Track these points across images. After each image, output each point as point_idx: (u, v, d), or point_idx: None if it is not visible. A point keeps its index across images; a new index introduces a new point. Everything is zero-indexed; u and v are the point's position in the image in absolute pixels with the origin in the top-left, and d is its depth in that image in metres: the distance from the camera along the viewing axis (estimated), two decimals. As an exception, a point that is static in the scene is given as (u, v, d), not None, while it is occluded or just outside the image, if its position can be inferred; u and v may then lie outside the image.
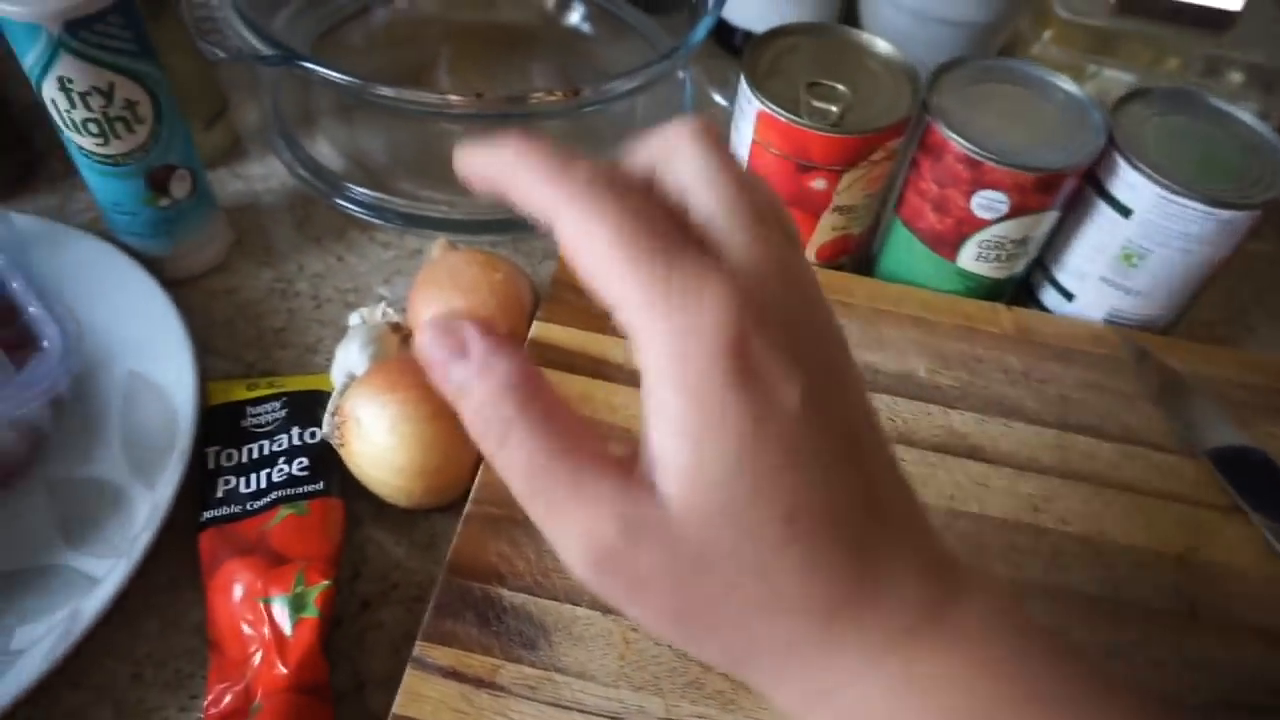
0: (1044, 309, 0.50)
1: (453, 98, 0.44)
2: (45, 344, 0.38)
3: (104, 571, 0.37)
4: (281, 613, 0.35)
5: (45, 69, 0.38)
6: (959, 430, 0.42)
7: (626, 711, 0.33)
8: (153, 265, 0.47)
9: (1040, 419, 0.43)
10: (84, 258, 0.47)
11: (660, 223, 0.20)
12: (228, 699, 0.34)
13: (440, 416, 0.38)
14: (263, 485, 0.40)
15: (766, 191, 0.22)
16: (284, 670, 0.34)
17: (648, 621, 0.22)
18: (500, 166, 0.22)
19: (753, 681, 0.23)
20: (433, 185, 0.53)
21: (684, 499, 0.20)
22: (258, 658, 0.35)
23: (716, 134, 0.22)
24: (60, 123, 0.41)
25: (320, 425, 0.41)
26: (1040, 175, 0.42)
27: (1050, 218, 0.45)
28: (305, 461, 0.40)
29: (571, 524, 0.20)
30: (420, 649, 0.34)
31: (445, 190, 0.52)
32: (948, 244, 0.46)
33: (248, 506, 0.39)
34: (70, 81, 0.39)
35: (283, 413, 0.42)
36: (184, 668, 0.37)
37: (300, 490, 0.39)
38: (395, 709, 0.33)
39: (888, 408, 0.43)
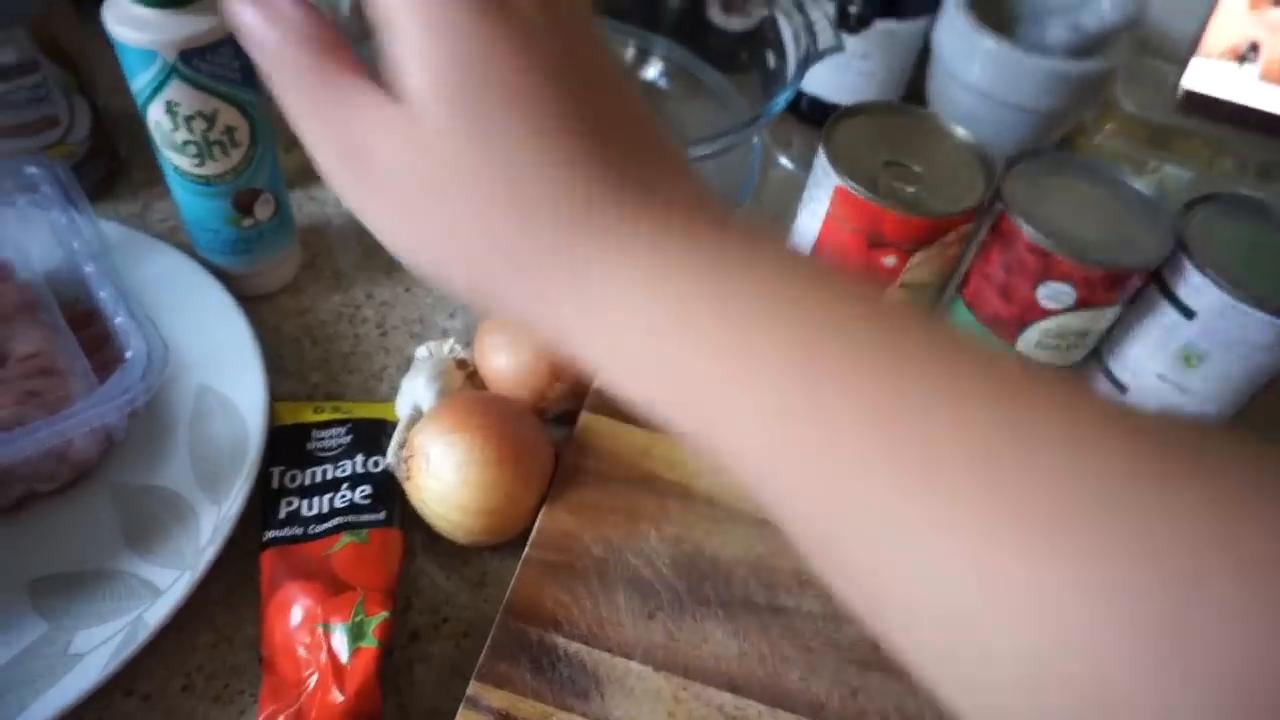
0: (1095, 398, 0.50)
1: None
2: (129, 355, 0.39)
3: (168, 582, 0.37)
4: (340, 640, 0.36)
5: (155, 92, 0.40)
6: (1010, 514, 0.43)
7: (673, 771, 0.33)
8: (227, 280, 0.48)
9: (1090, 510, 0.43)
10: (162, 267, 0.48)
11: None
12: (280, 720, 0.35)
13: (507, 461, 0.39)
14: (325, 510, 0.40)
15: None
16: (340, 698, 0.34)
17: (389, 227, 0.23)
18: None
19: (508, 303, 0.23)
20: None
21: (418, 97, 0.21)
22: (312, 681, 0.35)
23: None
24: (160, 141, 0.42)
25: (384, 454, 0.42)
26: (1109, 272, 0.42)
27: (1113, 312, 0.45)
28: (368, 490, 0.41)
29: (330, 121, 0.22)
30: (474, 688, 0.34)
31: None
32: (1009, 329, 0.47)
33: (309, 530, 0.40)
34: (177, 105, 0.40)
35: (348, 439, 0.43)
36: (234, 683, 0.38)
37: (362, 518, 0.40)
38: (447, 748, 0.33)
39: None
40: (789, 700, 0.36)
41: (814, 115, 0.67)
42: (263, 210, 0.46)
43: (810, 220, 0.47)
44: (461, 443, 0.38)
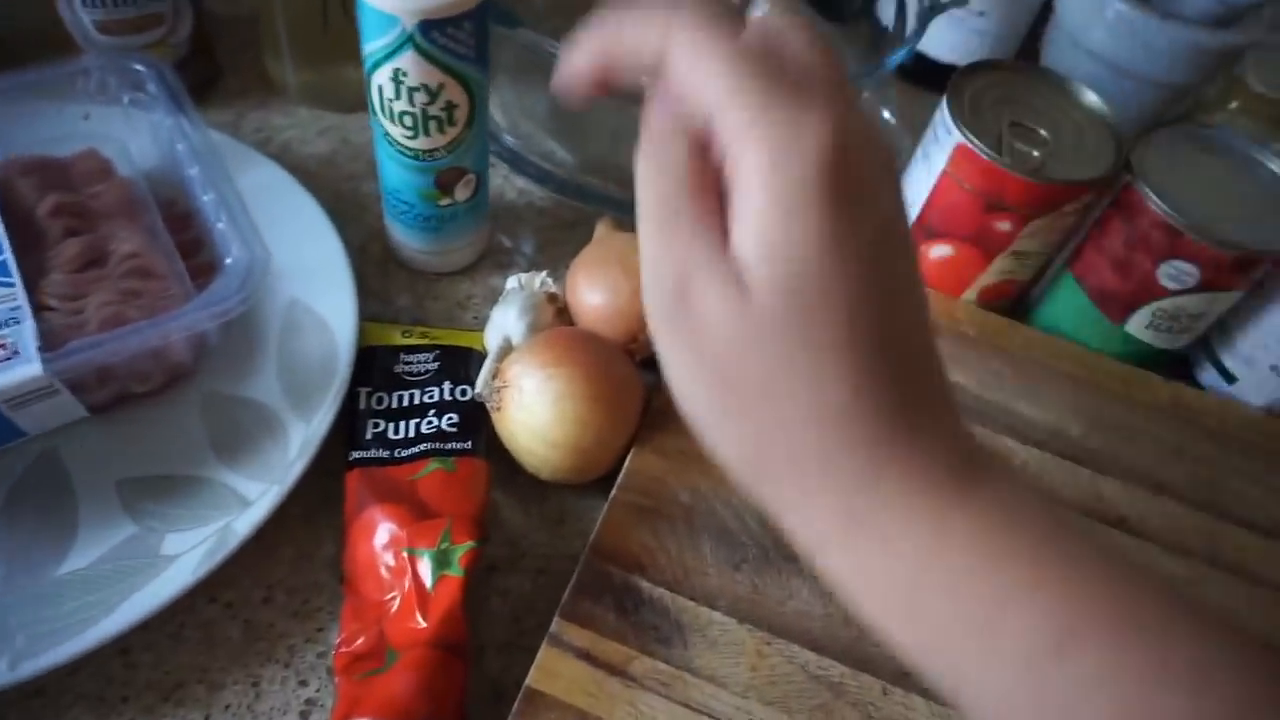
0: (1197, 385, 0.48)
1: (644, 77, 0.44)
2: (229, 262, 0.38)
3: (256, 494, 0.37)
4: (425, 566, 0.35)
5: (387, 58, 0.37)
6: (1107, 497, 0.41)
7: (754, 725, 0.33)
8: (406, 255, 0.48)
9: (1191, 500, 0.42)
10: (254, 178, 0.47)
11: (764, 61, 0.21)
12: (361, 640, 0.35)
13: (600, 399, 0.38)
14: (411, 435, 0.40)
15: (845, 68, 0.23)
16: (424, 624, 0.34)
17: (693, 382, 0.23)
18: (604, 37, 0.23)
19: (773, 497, 0.24)
20: (595, 161, 0.52)
21: (762, 298, 0.21)
22: (395, 605, 0.35)
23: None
24: (377, 107, 0.40)
25: (471, 384, 0.41)
26: (1239, 254, 0.40)
27: (1233, 297, 0.43)
28: (455, 418, 0.40)
29: (674, 254, 0.22)
30: (558, 625, 0.34)
31: (606, 167, 0.52)
32: (1119, 306, 0.45)
33: (396, 453, 0.39)
34: (404, 75, 0.38)
35: (435, 365, 0.43)
36: (313, 600, 0.38)
37: (449, 446, 0.39)
38: (529, 682, 0.33)
39: (1037, 461, 0.42)
40: (872, 665, 0.35)
41: (917, 72, 0.64)
42: (463, 192, 0.44)
43: (923, 178, 0.45)
44: (559, 377, 0.38)
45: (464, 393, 0.42)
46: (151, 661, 0.36)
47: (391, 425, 0.40)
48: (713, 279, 0.22)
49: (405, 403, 0.41)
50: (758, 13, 0.23)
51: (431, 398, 0.41)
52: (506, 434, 0.39)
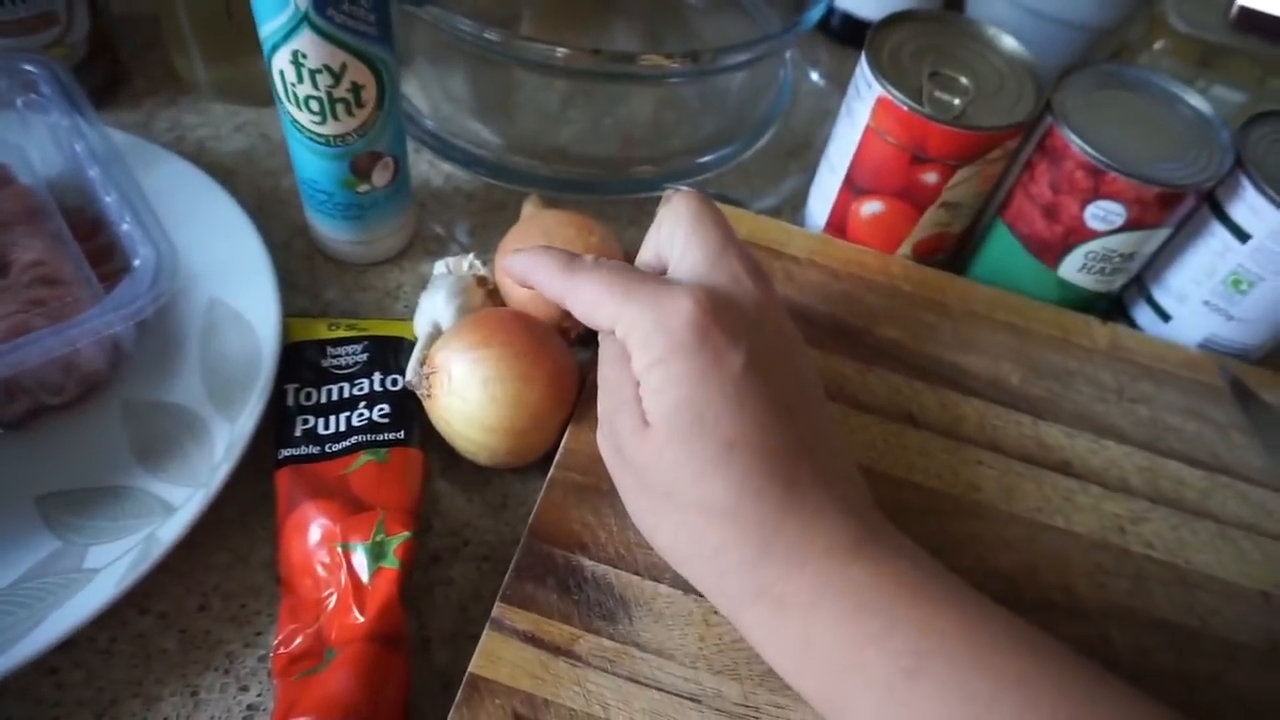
0: (1134, 326, 0.48)
1: (561, 51, 0.43)
2: (137, 263, 0.37)
3: (182, 499, 0.36)
4: (360, 560, 0.35)
5: (283, 40, 0.36)
6: (1048, 443, 0.41)
7: (704, 694, 0.32)
8: (331, 247, 0.47)
9: (1131, 439, 0.42)
10: (169, 177, 0.46)
11: (639, 272, 0.32)
12: (299, 640, 0.34)
13: (532, 378, 0.37)
14: (342, 428, 0.39)
15: (739, 244, 0.33)
16: (361, 619, 0.33)
17: (627, 490, 0.32)
18: (528, 272, 0.34)
19: (698, 580, 0.32)
20: (522, 140, 0.51)
21: (655, 426, 0.30)
22: (332, 602, 0.34)
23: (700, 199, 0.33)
24: (282, 93, 0.39)
25: (403, 373, 0.40)
26: (1164, 190, 0.40)
27: (1162, 235, 0.43)
28: (386, 408, 0.40)
29: (606, 407, 0.33)
30: (500, 610, 0.33)
31: (534, 146, 0.51)
32: (1051, 251, 0.45)
33: (327, 448, 0.38)
34: (304, 57, 0.37)
35: (364, 356, 0.42)
36: (251, 604, 0.37)
37: (382, 437, 0.38)
38: (472, 668, 0.32)
39: (977, 412, 0.42)
40: (822, 626, 0.35)
41: (844, 32, 0.64)
42: (381, 176, 0.43)
43: (848, 134, 0.45)
44: (487, 359, 0.37)
45: (395, 382, 0.41)
46: (82, 679, 0.34)
47: (321, 420, 0.39)
48: (626, 419, 0.31)
49: (334, 397, 0.40)
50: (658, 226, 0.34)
51: (361, 390, 0.40)
52: (440, 421, 0.39)
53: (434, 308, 0.42)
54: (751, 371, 0.29)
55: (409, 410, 0.40)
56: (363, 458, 0.38)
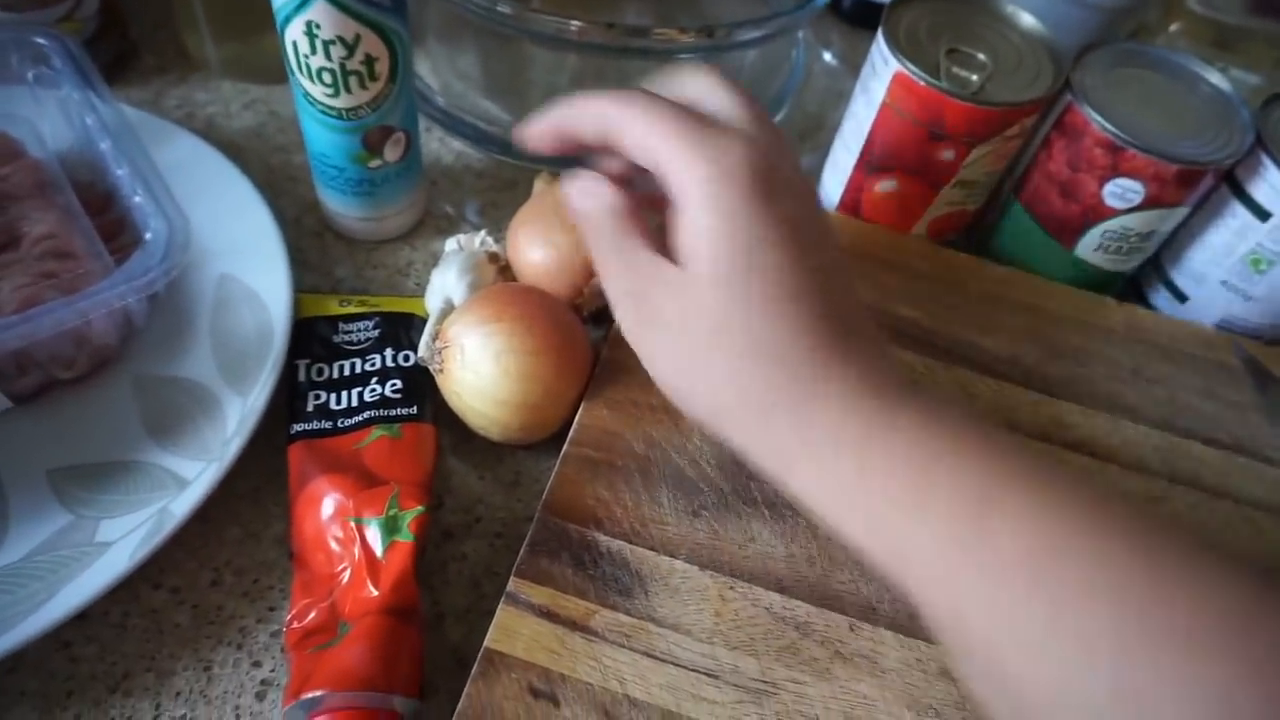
0: (1150, 306, 0.48)
1: (574, 24, 0.42)
2: (148, 237, 0.37)
3: (194, 474, 0.36)
4: (374, 534, 0.34)
5: (296, 10, 0.36)
6: (1065, 421, 0.41)
7: (720, 669, 0.32)
8: (341, 223, 0.46)
9: (1148, 419, 0.42)
10: (180, 153, 0.46)
11: (691, 115, 0.29)
12: (312, 615, 0.34)
13: (545, 351, 0.37)
14: (354, 403, 0.39)
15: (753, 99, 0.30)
16: (375, 592, 0.33)
17: (662, 361, 0.30)
18: (568, 112, 0.31)
19: (743, 434, 0.29)
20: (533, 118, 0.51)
21: (704, 271, 0.28)
22: (345, 576, 0.34)
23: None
24: (295, 66, 0.38)
25: (415, 349, 0.40)
26: (1183, 168, 0.40)
27: (1180, 214, 0.43)
28: (398, 384, 0.39)
29: (630, 270, 0.30)
30: (515, 584, 0.33)
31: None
32: (1069, 231, 0.44)
33: (339, 423, 0.38)
34: (317, 27, 0.36)
35: (375, 332, 0.41)
36: (263, 579, 0.37)
37: (394, 412, 0.38)
38: (488, 643, 0.32)
39: (993, 391, 0.41)
40: (838, 602, 0.34)
41: (857, 14, 0.63)
42: (392, 151, 0.43)
43: (863, 110, 0.44)
44: (500, 333, 0.37)
45: (406, 358, 0.40)
46: (95, 653, 0.34)
47: (333, 396, 0.39)
48: (660, 275, 0.29)
49: (346, 372, 0.40)
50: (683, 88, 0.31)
51: (373, 365, 0.40)
52: (452, 396, 0.38)
53: (445, 284, 0.41)
54: (803, 221, 0.28)
55: (421, 386, 0.40)
56: (375, 432, 0.37)
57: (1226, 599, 0.21)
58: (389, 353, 0.41)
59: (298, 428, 0.38)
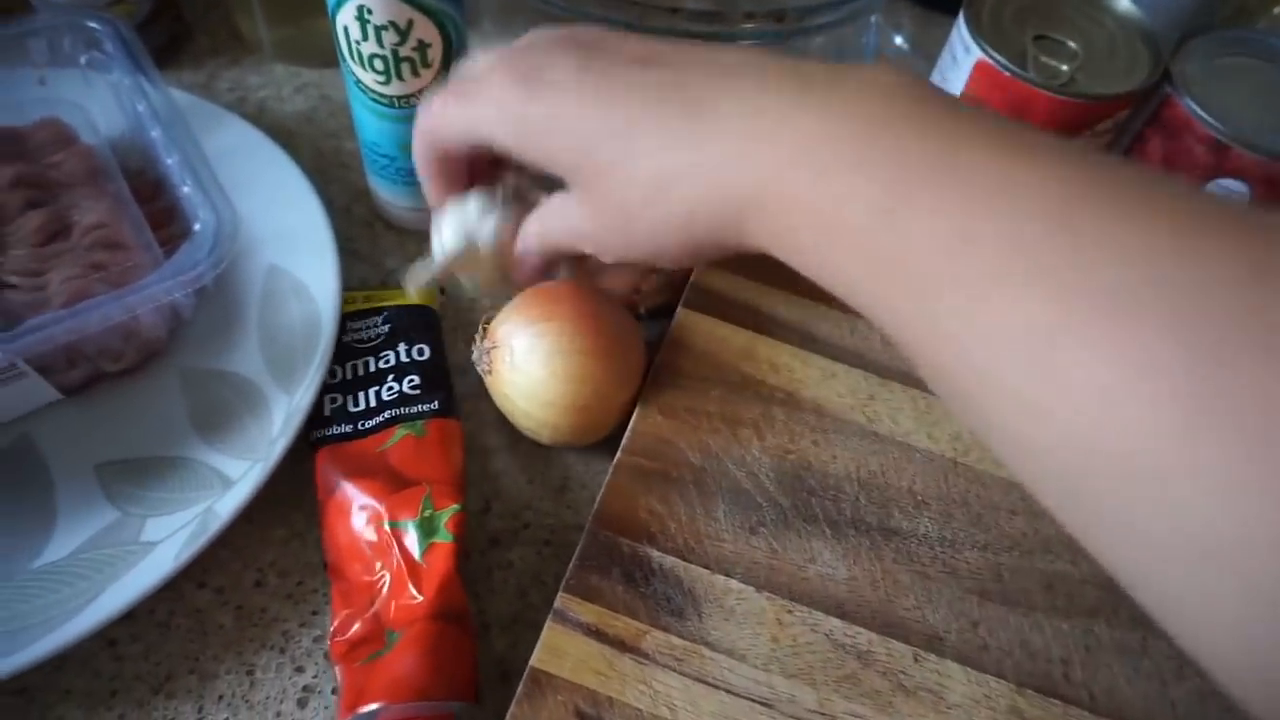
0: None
1: (637, 7, 0.40)
2: (197, 228, 0.36)
3: (239, 473, 0.35)
4: (411, 538, 0.33)
5: None
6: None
7: (776, 699, 0.31)
8: (390, 212, 0.45)
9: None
10: (230, 140, 0.45)
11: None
12: (356, 627, 0.33)
13: (596, 352, 0.35)
14: (373, 404, 0.38)
15: None
16: (420, 597, 0.32)
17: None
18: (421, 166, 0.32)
19: (701, 112, 0.25)
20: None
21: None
22: (385, 583, 0.33)
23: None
24: (346, 52, 0.37)
25: (427, 342, 0.39)
26: (1295, 168, 0.37)
27: (1286, 217, 0.40)
28: (416, 379, 0.38)
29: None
30: (563, 600, 0.32)
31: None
32: (1160, 233, 0.41)
33: (360, 425, 0.37)
34: (369, 12, 0.35)
35: (385, 328, 0.40)
36: (307, 581, 0.36)
37: (415, 409, 0.37)
38: (534, 662, 0.31)
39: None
40: (902, 629, 0.32)
41: (931, -5, 0.60)
42: None
43: (941, 103, 0.42)
44: (550, 332, 0.35)
45: (420, 352, 0.39)
46: (140, 652, 0.34)
47: (350, 397, 0.38)
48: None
49: (361, 372, 0.39)
50: None
51: (387, 362, 0.39)
52: (501, 397, 0.37)
53: (464, 220, 0.33)
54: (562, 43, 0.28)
55: (440, 379, 0.38)
56: (399, 432, 0.36)
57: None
58: (402, 348, 0.39)
59: (318, 433, 0.37)
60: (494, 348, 0.37)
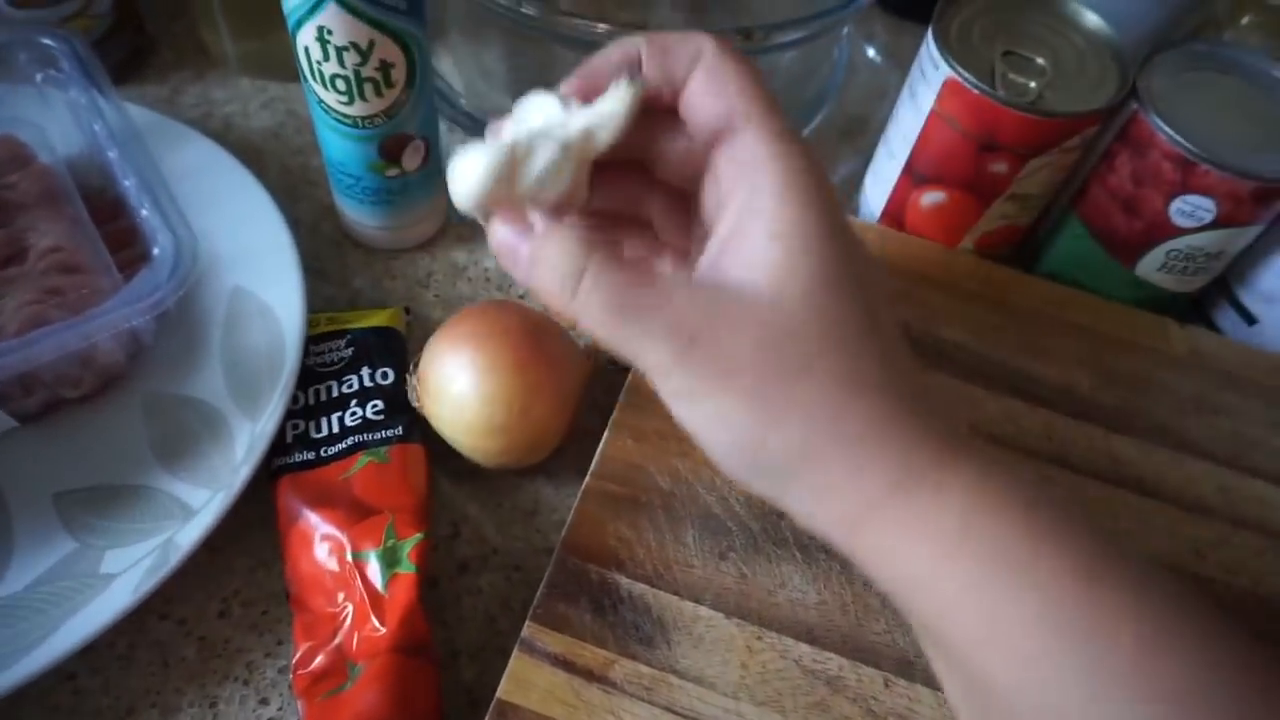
0: (1215, 329, 0.45)
1: (602, 27, 0.40)
2: (156, 252, 0.35)
3: (201, 503, 0.34)
4: (374, 569, 0.33)
5: (309, 14, 0.34)
6: (1120, 457, 0.38)
7: (746, 727, 0.30)
8: (358, 232, 0.45)
9: (1211, 454, 0.39)
10: (192, 157, 0.44)
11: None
12: (319, 660, 0.32)
13: (506, 369, 0.35)
14: (335, 430, 0.37)
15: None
16: (383, 630, 0.32)
17: (727, 410, 0.23)
18: (651, 40, 0.25)
19: (821, 485, 0.24)
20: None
21: (784, 289, 0.23)
22: (349, 615, 0.33)
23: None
24: (308, 72, 0.37)
25: (391, 365, 0.39)
26: (1260, 185, 0.37)
27: (1253, 232, 0.40)
28: (380, 404, 0.37)
29: (661, 322, 0.23)
30: (530, 630, 0.32)
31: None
32: (1129, 249, 0.41)
33: (322, 453, 0.36)
34: (329, 33, 0.34)
35: (348, 351, 0.39)
36: (272, 610, 0.35)
37: (378, 435, 0.36)
38: (501, 694, 0.30)
39: (1044, 423, 0.39)
40: (873, 654, 0.32)
41: (902, 4, 0.60)
42: (411, 160, 0.41)
43: (910, 118, 0.42)
44: (455, 359, 0.35)
45: (385, 376, 0.38)
46: (100, 686, 0.33)
47: (312, 424, 0.37)
48: (718, 308, 0.23)
49: (323, 397, 0.38)
50: None
51: (350, 387, 0.38)
52: (435, 426, 0.37)
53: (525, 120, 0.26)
54: (859, 240, 0.25)
55: (403, 404, 0.38)
56: (362, 459, 0.36)
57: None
58: (365, 372, 0.39)
59: (280, 461, 0.36)
60: (419, 380, 0.36)
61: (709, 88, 0.24)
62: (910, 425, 0.23)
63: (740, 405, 0.23)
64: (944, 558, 0.23)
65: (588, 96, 0.25)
